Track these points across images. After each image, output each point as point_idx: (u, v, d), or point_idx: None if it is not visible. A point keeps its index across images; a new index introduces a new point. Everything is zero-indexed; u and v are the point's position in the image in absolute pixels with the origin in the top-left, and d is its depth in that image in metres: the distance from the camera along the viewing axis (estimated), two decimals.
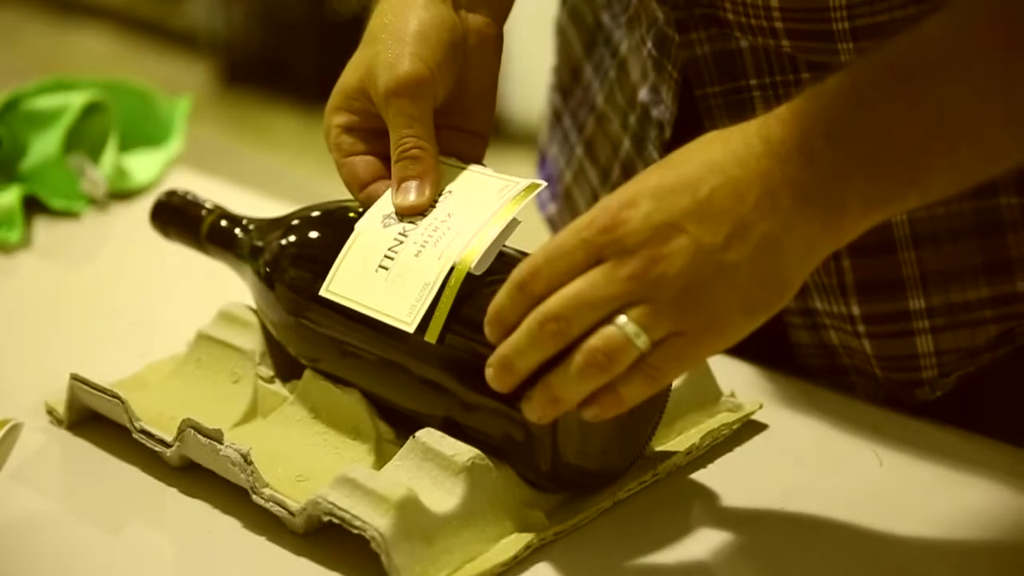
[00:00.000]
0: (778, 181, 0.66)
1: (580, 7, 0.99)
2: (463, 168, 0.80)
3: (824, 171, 0.66)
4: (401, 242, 0.76)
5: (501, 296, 0.68)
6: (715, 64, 0.84)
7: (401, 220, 0.78)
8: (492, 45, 0.82)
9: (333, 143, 0.82)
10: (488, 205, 0.76)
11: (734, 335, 0.67)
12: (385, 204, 0.79)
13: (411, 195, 0.77)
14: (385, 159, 0.80)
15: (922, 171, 0.66)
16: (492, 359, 0.68)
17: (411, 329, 0.74)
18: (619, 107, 0.95)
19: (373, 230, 0.78)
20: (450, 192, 0.78)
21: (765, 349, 0.87)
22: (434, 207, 0.78)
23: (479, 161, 0.81)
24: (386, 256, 0.76)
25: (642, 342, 0.66)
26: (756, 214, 0.65)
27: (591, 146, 0.99)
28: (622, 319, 0.66)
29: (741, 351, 0.88)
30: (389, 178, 0.79)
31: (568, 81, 1.02)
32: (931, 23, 0.66)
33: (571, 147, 1.02)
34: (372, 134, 0.81)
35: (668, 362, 0.66)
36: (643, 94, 0.91)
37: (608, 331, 0.66)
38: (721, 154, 0.67)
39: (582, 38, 0.98)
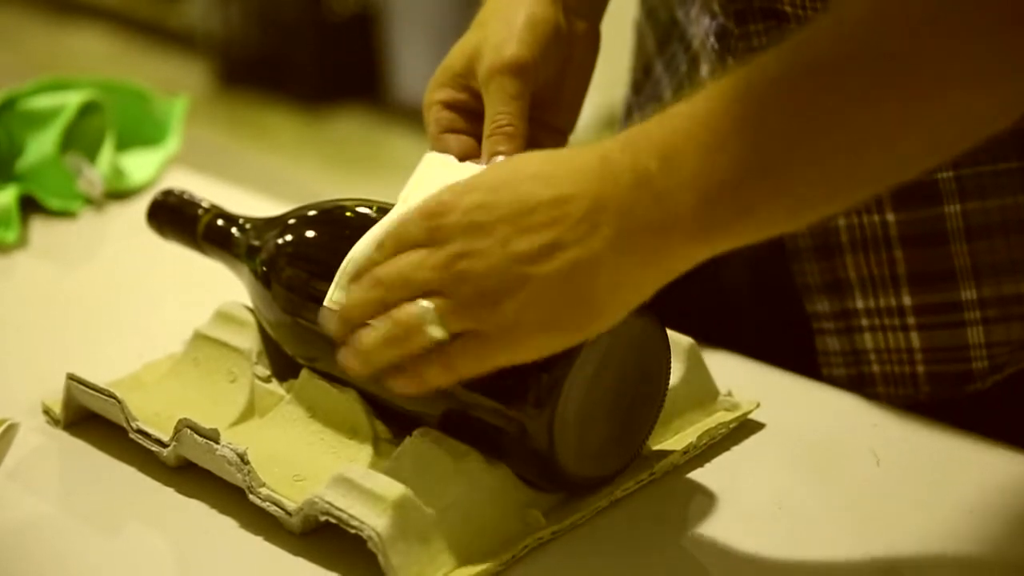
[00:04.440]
0: (603, 205, 0.66)
1: (656, 5, 1.00)
2: None
3: (651, 194, 0.65)
4: None
5: (357, 255, 0.73)
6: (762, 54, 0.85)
7: None
8: (592, 49, 0.87)
9: (433, 118, 0.84)
10: None
11: (533, 348, 0.68)
12: (392, 216, 0.79)
13: None
14: (479, 140, 0.82)
15: (751, 199, 0.65)
16: (338, 313, 0.71)
17: None
18: None
19: (377, 239, 0.78)
20: None
21: (791, 357, 0.88)
22: None
23: None
24: None
25: (437, 332, 0.67)
26: (573, 235, 0.66)
27: None
28: (425, 303, 0.67)
29: (765, 357, 0.88)
30: (479, 158, 0.81)
31: (641, 78, 1.03)
32: (773, 50, 0.66)
33: None
34: (470, 115, 0.83)
35: (464, 358, 0.68)
36: None
37: (409, 310, 0.68)
38: (564, 167, 0.67)
39: (656, 35, 1.00)
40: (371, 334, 0.69)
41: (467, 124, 0.83)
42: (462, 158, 0.82)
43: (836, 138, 0.64)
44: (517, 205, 0.67)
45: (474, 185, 0.69)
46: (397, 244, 0.70)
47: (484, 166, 0.78)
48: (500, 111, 0.80)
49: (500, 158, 0.79)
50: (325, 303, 0.77)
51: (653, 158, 0.65)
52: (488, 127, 0.81)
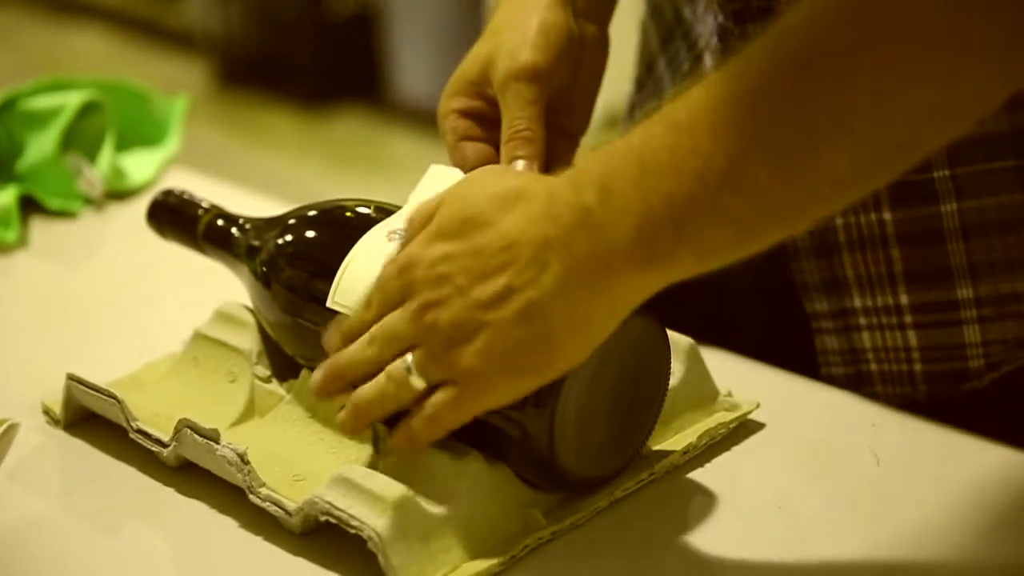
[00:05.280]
0: (548, 244, 0.66)
1: (661, 3, 1.00)
2: None
3: (590, 227, 0.66)
4: None
5: (351, 318, 0.73)
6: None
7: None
8: (602, 52, 0.88)
9: (449, 127, 0.85)
10: None
11: (503, 393, 0.69)
12: (394, 221, 0.79)
13: None
14: (496, 147, 0.83)
15: (689, 226, 0.65)
16: (326, 364, 0.73)
17: None
18: None
19: (377, 241, 0.78)
20: None
21: (790, 357, 0.88)
22: None
23: (570, 160, 0.83)
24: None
25: (417, 382, 0.69)
26: (523, 278, 0.67)
27: None
28: (408, 356, 0.69)
29: (765, 357, 0.88)
30: (496, 163, 0.82)
31: (643, 75, 1.03)
32: (711, 73, 0.65)
33: None
34: (486, 122, 0.84)
35: (442, 408, 0.69)
36: None
37: (396, 363, 0.70)
38: (514, 212, 0.68)
39: (660, 33, 1.00)
40: (366, 390, 0.71)
41: (483, 132, 0.84)
42: (479, 165, 0.82)
43: (770, 157, 0.64)
44: (472, 254, 0.68)
45: (436, 232, 0.70)
46: (381, 300, 0.72)
47: None
48: (517, 116, 0.81)
49: (520, 164, 0.81)
50: (329, 304, 0.78)
51: (592, 191, 0.66)
52: (506, 133, 0.82)
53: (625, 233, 0.65)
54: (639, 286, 0.67)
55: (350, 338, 0.73)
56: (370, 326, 0.72)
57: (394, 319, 0.70)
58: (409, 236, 0.72)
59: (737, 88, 0.64)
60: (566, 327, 0.67)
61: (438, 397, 0.69)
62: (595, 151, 0.68)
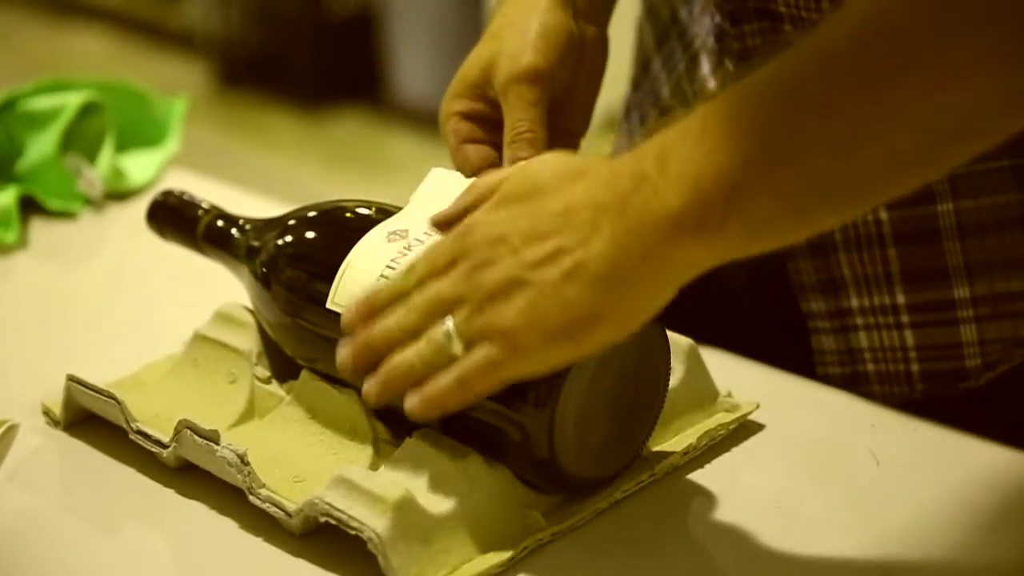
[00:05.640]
0: (604, 209, 0.67)
1: (657, 3, 1.01)
2: None
3: (646, 194, 0.66)
4: (404, 255, 0.77)
5: (383, 284, 0.73)
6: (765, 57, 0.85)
7: (405, 238, 0.78)
8: (602, 53, 0.88)
9: (451, 129, 0.85)
10: None
11: (538, 359, 0.68)
12: (394, 222, 0.79)
13: None
14: (498, 149, 0.83)
15: (739, 197, 0.65)
16: (357, 338, 0.71)
17: None
18: (687, 99, 0.96)
19: (377, 242, 0.78)
20: None
21: (787, 356, 0.88)
22: None
23: None
24: (388, 267, 0.76)
25: (456, 346, 0.68)
26: (574, 240, 0.67)
27: None
28: (449, 319, 0.69)
29: (763, 357, 0.88)
30: (499, 166, 0.82)
31: (639, 75, 1.03)
32: (774, 57, 0.66)
33: (634, 139, 1.03)
34: (488, 124, 0.84)
35: (475, 372, 0.68)
36: (711, 86, 0.93)
37: (436, 327, 0.69)
38: (577, 180, 0.68)
39: (655, 33, 1.00)
40: (399, 356, 0.70)
41: (485, 134, 0.85)
42: (482, 168, 0.83)
43: (826, 135, 0.64)
44: (531, 216, 0.68)
45: (500, 199, 0.70)
46: (428, 266, 0.71)
47: None
48: (520, 118, 0.82)
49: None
50: (328, 305, 0.78)
51: (650, 159, 0.66)
52: (508, 134, 0.82)
53: (676, 200, 0.65)
54: (689, 259, 0.66)
55: (377, 308, 0.71)
56: (404, 296, 0.71)
57: (441, 283, 0.70)
58: (466, 203, 0.72)
59: (797, 66, 0.64)
60: (610, 293, 0.66)
61: (472, 358, 0.68)
62: (664, 126, 0.68)
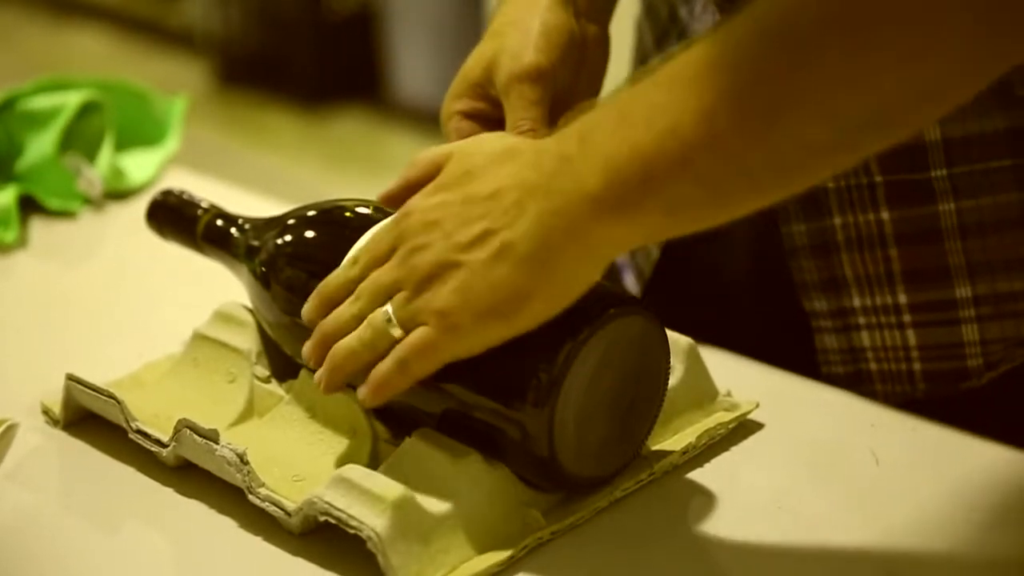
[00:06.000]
0: (530, 190, 0.69)
1: (656, 2, 1.00)
2: None
3: (568, 173, 0.68)
4: None
5: (331, 275, 0.75)
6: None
7: None
8: (603, 51, 0.89)
9: (453, 128, 0.86)
10: None
11: (472, 338, 0.70)
12: None
13: None
14: None
15: (657, 178, 0.66)
16: (315, 332, 0.74)
17: None
18: None
19: None
20: None
21: (789, 356, 0.88)
22: None
23: None
24: None
25: (395, 329, 0.71)
26: (502, 221, 0.69)
27: None
28: (388, 304, 0.71)
29: (764, 356, 0.88)
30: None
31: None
32: (697, 38, 0.67)
33: None
34: (490, 123, 0.85)
35: (412, 352, 0.70)
36: None
37: (376, 312, 0.72)
38: (506, 164, 0.71)
39: (655, 32, 1.00)
40: (343, 342, 0.73)
41: (486, 132, 0.84)
42: None
43: (740, 118, 0.64)
44: (463, 202, 0.70)
45: (437, 184, 0.72)
46: (370, 255, 0.74)
47: None
48: (522, 117, 0.82)
49: None
50: None
51: (574, 140, 0.68)
52: (510, 133, 0.82)
53: (595, 178, 0.67)
54: (611, 236, 0.68)
55: (329, 299, 0.74)
56: (354, 286, 0.73)
57: (381, 270, 0.72)
58: (407, 178, 0.74)
59: (716, 52, 0.65)
60: (538, 272, 0.68)
61: (409, 340, 0.70)
62: (586, 108, 0.69)
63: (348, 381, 0.74)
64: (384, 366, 0.71)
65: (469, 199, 0.70)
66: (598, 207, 0.67)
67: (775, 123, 0.64)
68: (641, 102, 0.67)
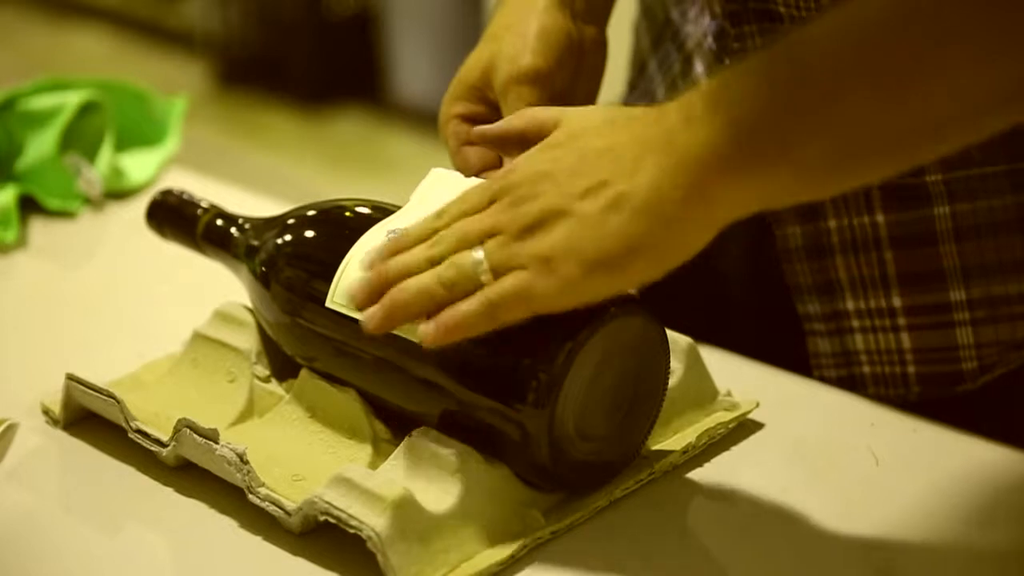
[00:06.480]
0: (650, 145, 0.67)
1: (652, 4, 1.01)
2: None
3: (693, 130, 0.66)
4: None
5: (411, 225, 0.73)
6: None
7: None
8: (601, 54, 0.88)
9: (451, 132, 0.85)
10: None
11: (568, 285, 0.67)
12: (394, 221, 0.79)
13: None
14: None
15: (789, 134, 0.65)
16: (373, 272, 0.71)
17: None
18: None
19: (376, 241, 0.78)
20: None
21: (784, 359, 0.88)
22: None
23: None
24: None
25: (484, 271, 0.68)
26: (619, 173, 0.67)
27: None
28: (478, 247, 0.69)
29: (760, 358, 0.88)
30: (499, 168, 0.82)
31: (635, 75, 1.04)
32: (830, 14, 0.66)
33: None
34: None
35: (504, 296, 0.68)
36: None
37: (463, 252, 0.69)
38: (621, 120, 0.70)
39: (651, 34, 1.01)
40: (414, 281, 0.69)
41: None
42: (482, 170, 0.82)
43: (873, 86, 0.64)
44: (576, 154, 0.69)
45: (547, 144, 0.71)
46: (462, 207, 0.71)
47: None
48: None
49: None
50: (327, 304, 0.78)
51: (699, 102, 0.67)
52: None
53: (724, 136, 0.65)
54: (732, 198, 0.67)
55: (402, 246, 0.71)
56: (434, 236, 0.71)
57: (474, 217, 0.70)
58: (511, 126, 0.74)
59: (851, 20, 0.65)
60: (652, 225, 0.66)
61: (503, 282, 0.67)
62: (710, 78, 0.69)
63: (409, 320, 0.70)
64: (467, 305, 0.68)
65: (582, 152, 0.69)
66: (726, 165, 0.66)
67: (908, 92, 0.64)
68: (775, 67, 0.66)
